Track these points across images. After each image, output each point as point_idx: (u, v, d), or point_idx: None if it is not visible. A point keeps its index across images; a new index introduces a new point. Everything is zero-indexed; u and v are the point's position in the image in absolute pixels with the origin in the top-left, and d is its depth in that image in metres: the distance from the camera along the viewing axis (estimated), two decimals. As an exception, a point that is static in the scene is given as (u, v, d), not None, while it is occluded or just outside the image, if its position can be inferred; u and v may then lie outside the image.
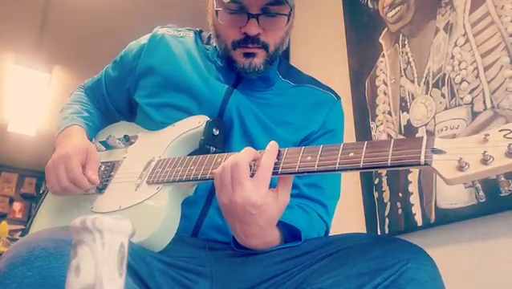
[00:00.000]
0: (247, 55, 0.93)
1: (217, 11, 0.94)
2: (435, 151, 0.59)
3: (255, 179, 0.72)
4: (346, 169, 0.66)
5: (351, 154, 0.66)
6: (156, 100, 1.00)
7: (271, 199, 0.73)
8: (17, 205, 5.90)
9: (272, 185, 0.75)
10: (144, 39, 1.09)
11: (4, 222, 4.23)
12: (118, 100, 1.12)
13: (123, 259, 0.43)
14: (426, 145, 0.61)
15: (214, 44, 1.01)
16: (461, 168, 0.56)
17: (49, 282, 0.56)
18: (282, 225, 0.82)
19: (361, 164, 0.64)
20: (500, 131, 0.57)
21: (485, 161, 0.55)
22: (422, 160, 0.59)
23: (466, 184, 0.62)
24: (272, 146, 0.75)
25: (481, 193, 0.59)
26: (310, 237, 0.87)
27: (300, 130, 0.98)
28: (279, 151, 0.75)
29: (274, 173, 0.73)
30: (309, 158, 0.70)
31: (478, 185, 0.59)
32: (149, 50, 1.05)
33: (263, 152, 0.75)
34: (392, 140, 0.64)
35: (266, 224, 0.75)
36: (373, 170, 0.65)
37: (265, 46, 0.94)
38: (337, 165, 0.66)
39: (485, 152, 0.55)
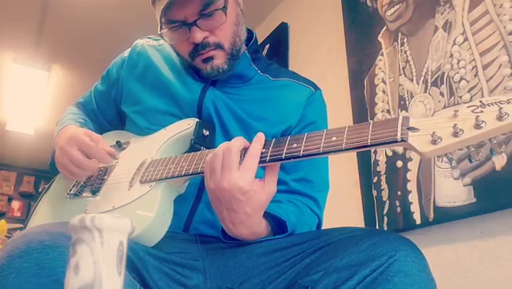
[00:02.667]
0: (206, 61, 0.95)
1: (161, 34, 0.97)
2: (410, 128, 0.64)
3: (243, 166, 0.75)
4: (329, 152, 0.70)
5: (334, 138, 0.70)
6: (140, 107, 1.04)
7: (258, 187, 0.75)
8: (15, 204, 5.88)
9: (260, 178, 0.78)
10: (125, 53, 1.14)
11: (3, 221, 4.22)
12: (108, 113, 1.16)
13: (123, 258, 0.43)
14: (402, 124, 0.65)
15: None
16: (434, 142, 0.61)
17: (45, 273, 0.58)
18: (269, 218, 0.84)
19: (343, 146, 0.68)
20: (468, 107, 0.62)
21: (455, 134, 0.60)
22: (399, 137, 0.64)
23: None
24: (259, 136, 0.78)
25: (454, 163, 0.64)
26: (302, 230, 0.88)
27: (276, 125, 0.99)
28: (266, 141, 0.78)
29: (262, 162, 0.76)
30: (295, 145, 0.74)
31: (451, 156, 0.65)
32: (130, 63, 1.09)
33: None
34: (371, 122, 0.69)
35: (252, 211, 0.77)
36: (355, 150, 0.69)
37: (218, 46, 0.95)
38: (321, 149, 0.70)
39: (455, 125, 0.60)
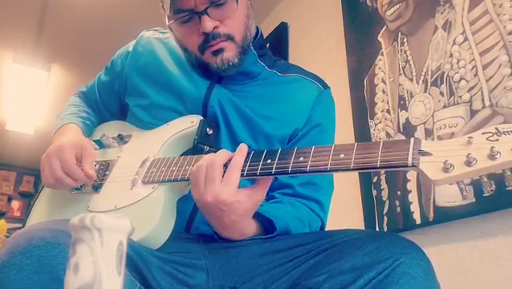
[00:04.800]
0: (216, 53, 0.92)
1: (169, 26, 0.94)
2: (422, 153, 0.62)
3: (224, 178, 0.75)
4: (337, 170, 0.69)
5: (342, 155, 0.68)
6: (143, 102, 1.02)
7: (243, 196, 0.76)
8: (15, 204, 5.88)
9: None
10: (130, 45, 1.11)
11: (2, 221, 4.22)
12: (110, 104, 1.15)
13: (122, 258, 0.43)
14: (413, 147, 0.63)
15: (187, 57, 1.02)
16: (446, 170, 0.59)
17: (46, 270, 0.58)
18: (260, 217, 0.84)
19: (351, 166, 0.66)
20: (483, 134, 0.60)
21: (468, 163, 0.58)
22: (409, 161, 0.62)
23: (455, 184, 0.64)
24: (241, 148, 0.78)
25: (465, 193, 0.62)
26: (301, 230, 0.88)
27: (283, 127, 0.97)
28: (268, 152, 0.77)
29: (267, 174, 0.75)
30: (301, 159, 0.72)
31: (462, 186, 0.63)
32: (135, 55, 1.07)
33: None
34: (381, 142, 0.67)
35: (238, 218, 0.78)
36: (363, 171, 0.68)
37: (229, 38, 0.92)
38: (328, 166, 0.69)
39: (469, 154, 0.58)
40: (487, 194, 0.61)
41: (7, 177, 5.91)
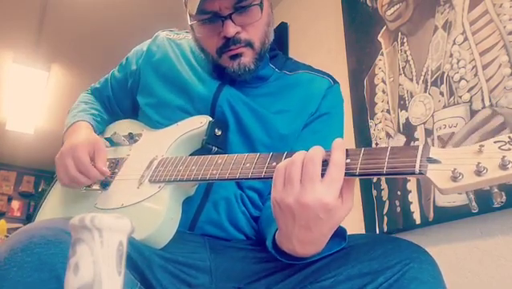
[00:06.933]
0: (234, 57, 0.92)
1: (191, 26, 0.95)
2: (430, 160, 0.60)
3: (327, 177, 0.64)
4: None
5: (348, 160, 0.66)
6: (153, 100, 1.02)
7: (339, 203, 0.66)
8: (15, 204, 5.88)
9: None
10: (145, 44, 1.12)
11: (3, 221, 4.23)
12: (122, 101, 1.15)
13: (122, 257, 0.43)
14: (422, 154, 0.61)
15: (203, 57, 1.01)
16: (454, 179, 0.57)
17: (47, 268, 0.58)
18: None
19: (357, 172, 0.64)
20: (495, 142, 0.57)
21: (478, 173, 0.56)
22: (417, 169, 0.60)
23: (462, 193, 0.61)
24: (339, 142, 0.67)
25: (474, 203, 0.60)
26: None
27: (297, 118, 0.97)
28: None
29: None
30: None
31: (471, 196, 0.59)
32: (149, 54, 1.08)
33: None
34: (389, 148, 0.64)
35: (329, 231, 0.68)
36: (368, 177, 0.64)
37: (249, 44, 0.93)
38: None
39: (479, 163, 0.56)
40: (497, 206, 0.58)
41: (7, 177, 5.91)
